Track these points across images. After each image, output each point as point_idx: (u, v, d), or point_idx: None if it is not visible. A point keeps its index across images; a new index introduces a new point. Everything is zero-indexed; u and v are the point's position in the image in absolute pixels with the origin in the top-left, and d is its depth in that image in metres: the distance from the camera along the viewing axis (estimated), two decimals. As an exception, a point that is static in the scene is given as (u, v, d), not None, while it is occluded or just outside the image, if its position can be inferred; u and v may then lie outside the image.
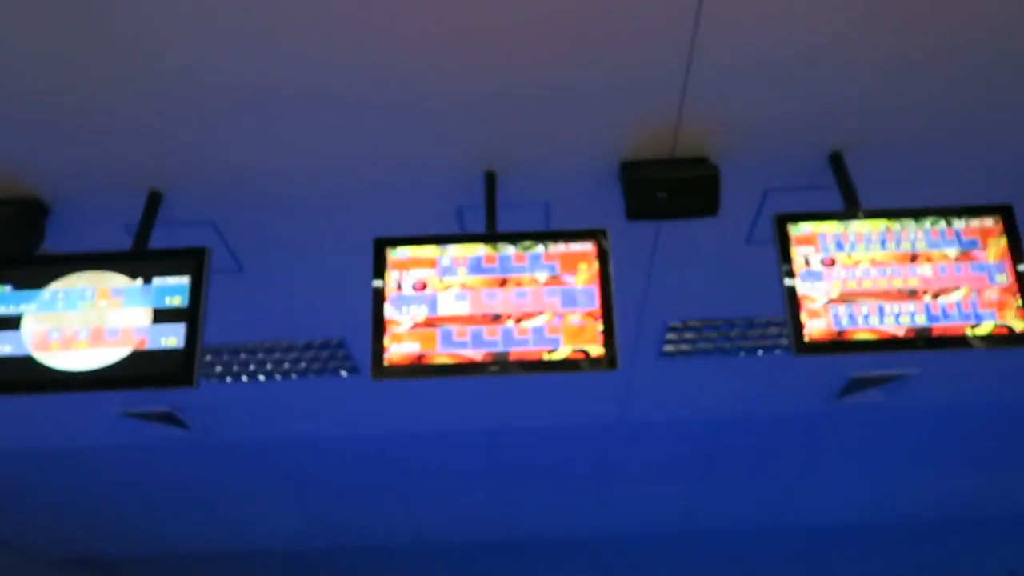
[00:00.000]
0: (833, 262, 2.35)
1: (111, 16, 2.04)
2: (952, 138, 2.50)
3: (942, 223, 2.39)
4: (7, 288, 2.39)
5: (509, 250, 2.39)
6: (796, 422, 4.52)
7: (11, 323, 2.35)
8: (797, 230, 2.40)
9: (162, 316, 2.34)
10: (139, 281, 2.39)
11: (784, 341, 3.64)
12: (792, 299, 2.32)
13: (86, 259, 2.43)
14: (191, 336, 2.29)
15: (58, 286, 2.39)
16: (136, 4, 2.01)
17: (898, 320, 2.28)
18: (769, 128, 2.44)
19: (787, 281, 2.34)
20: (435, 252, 2.39)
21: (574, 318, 2.29)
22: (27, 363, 2.30)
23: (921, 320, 2.27)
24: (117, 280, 2.40)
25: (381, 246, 2.41)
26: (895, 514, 5.78)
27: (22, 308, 2.37)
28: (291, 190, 2.64)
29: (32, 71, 2.16)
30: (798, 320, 2.29)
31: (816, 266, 2.35)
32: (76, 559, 6.09)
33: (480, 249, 2.39)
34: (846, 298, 2.30)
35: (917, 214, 2.40)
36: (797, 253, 2.36)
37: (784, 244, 2.37)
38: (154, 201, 2.59)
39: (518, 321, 2.30)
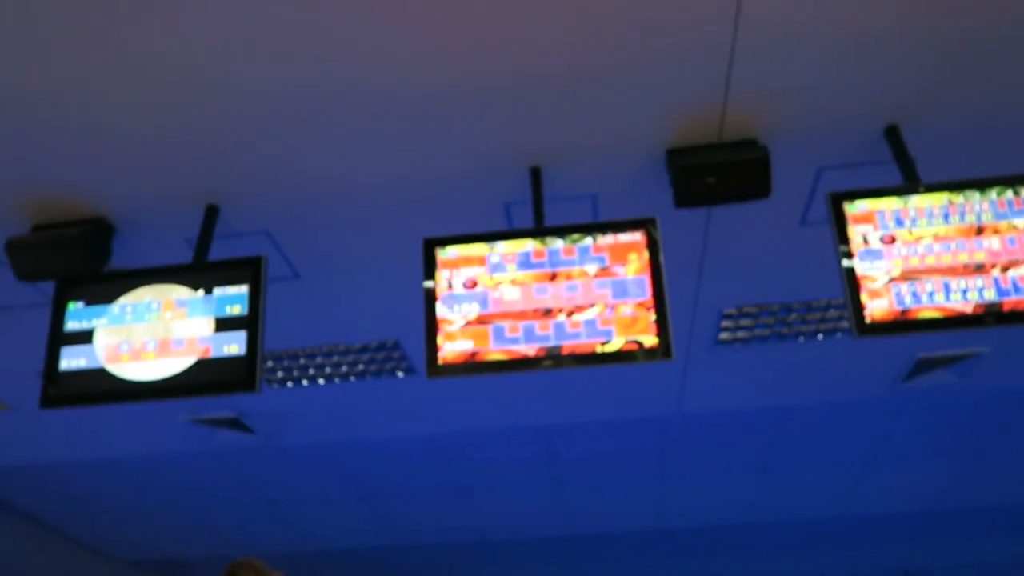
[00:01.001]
0: (893, 239, 2.28)
1: (165, 36, 2.10)
2: (1014, 105, 2.39)
3: (1009, 193, 2.29)
4: (80, 304, 2.50)
5: (558, 244, 2.39)
6: (861, 407, 4.39)
7: (84, 337, 2.45)
8: (853, 208, 2.33)
9: (224, 325, 2.40)
10: (201, 292, 2.46)
11: (845, 324, 3.56)
12: (851, 280, 2.26)
13: (150, 273, 2.51)
14: (252, 343, 2.35)
15: (126, 300, 2.48)
16: (187, 23, 2.07)
17: (965, 296, 2.19)
18: (819, 104, 2.38)
19: (845, 262, 2.28)
20: (484, 250, 2.40)
21: (626, 309, 2.28)
22: (100, 375, 2.40)
23: (990, 295, 2.18)
24: (180, 292, 2.47)
25: (431, 246, 2.44)
26: (969, 501, 5.58)
27: (94, 323, 2.47)
28: (341, 196, 2.68)
29: (90, 93, 2.25)
30: (858, 301, 2.23)
31: (875, 244, 2.28)
32: (151, 562, 6.33)
33: (529, 244, 2.40)
34: (908, 276, 2.23)
35: (982, 185, 2.30)
36: (855, 232, 2.30)
37: (840, 224, 2.32)
38: (211, 214, 2.66)
39: (570, 315, 2.30)
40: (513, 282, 2.36)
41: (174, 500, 5.29)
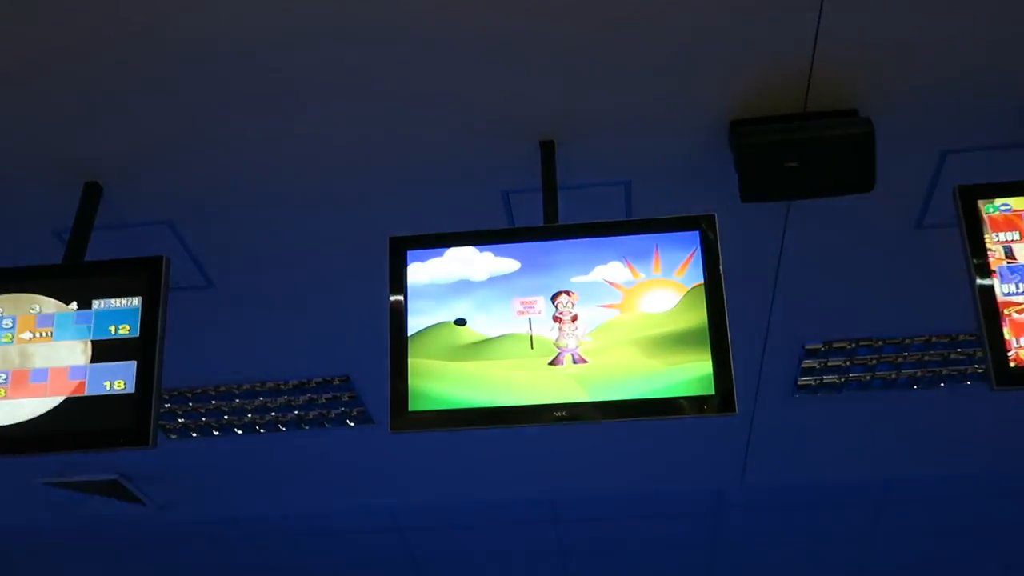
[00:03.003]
0: (1049, 252, 2.29)
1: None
2: None
3: None
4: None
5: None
6: (994, 485, 4.39)
7: (-93, 365, 2.42)
8: (992, 208, 2.33)
9: (105, 351, 2.38)
10: (74, 305, 2.44)
11: (978, 368, 3.55)
12: (988, 306, 2.25)
13: (3, 277, 2.49)
14: (145, 377, 2.34)
15: (-33, 314, 2.46)
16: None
17: None
18: (943, 66, 2.39)
19: (979, 281, 2.28)
20: (472, 255, 2.42)
21: (671, 342, 2.32)
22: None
23: None
24: (45, 304, 2.46)
25: (399, 248, 2.45)
26: None
27: (-81, 345, 2.44)
28: (276, 176, 2.67)
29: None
30: (999, 336, 2.22)
31: (1023, 258, 2.29)
32: None
33: (535, 248, 2.41)
34: (1071, 304, 2.23)
35: None
36: (993, 240, 2.31)
37: (974, 228, 2.32)
38: (91, 196, 2.65)
39: (592, 348, 2.35)
40: (513, 300, 2.40)
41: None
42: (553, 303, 2.37)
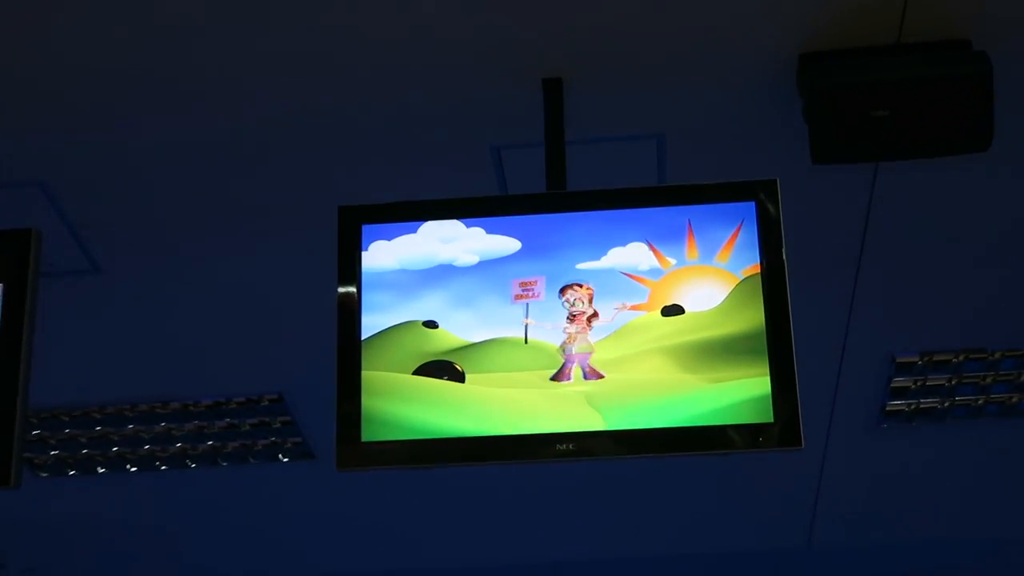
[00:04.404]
0: None
1: None
2: None
3: None
4: None
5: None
6: None
7: None
8: None
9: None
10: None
11: None
12: None
13: None
14: (5, 393, 2.33)
15: None
16: None
17: None
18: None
19: None
20: (456, 231, 2.43)
21: (716, 351, 2.32)
22: None
23: None
24: None
25: (351, 222, 2.45)
26: None
27: None
28: (184, 129, 2.67)
29: None
30: None
31: None
32: None
33: (537, 223, 2.42)
34: None
35: None
36: None
37: None
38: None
39: (608, 357, 2.34)
40: (503, 293, 2.39)
41: None
42: (562, 298, 2.36)
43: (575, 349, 2.32)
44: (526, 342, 2.34)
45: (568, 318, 2.33)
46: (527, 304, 2.35)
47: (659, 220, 2.40)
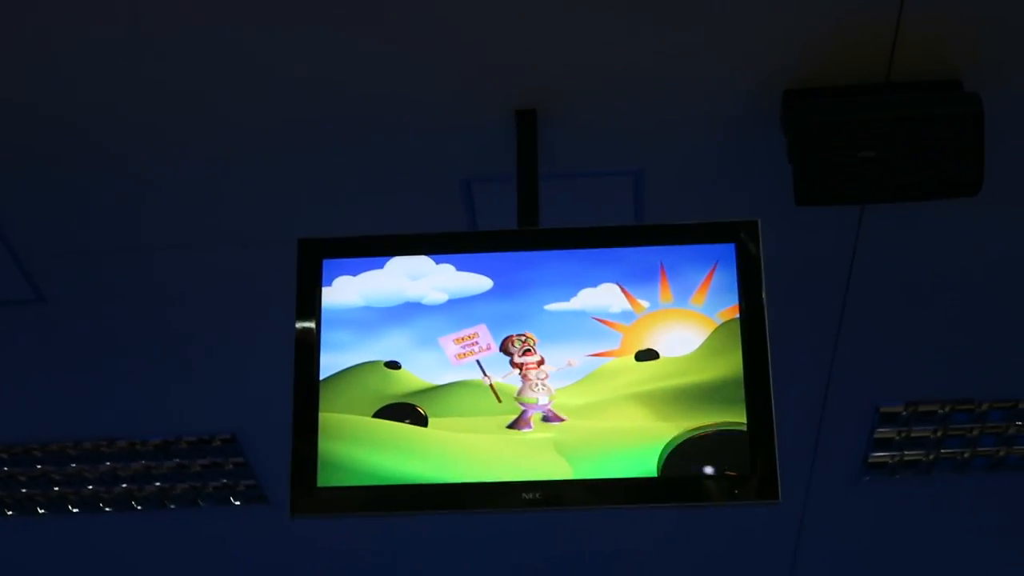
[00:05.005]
0: None
1: None
2: None
3: None
4: None
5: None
6: None
7: None
8: None
9: None
10: None
11: None
12: None
13: None
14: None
15: None
16: None
17: None
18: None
19: None
20: (425, 267, 2.42)
21: (692, 398, 2.31)
22: None
23: None
24: None
25: (312, 255, 2.45)
26: None
27: None
28: (134, 155, 2.66)
29: None
30: None
31: None
32: None
33: (508, 261, 2.41)
34: None
35: None
36: None
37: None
38: None
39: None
40: (467, 335, 2.38)
41: None
42: (504, 351, 2.35)
43: (534, 395, 2.31)
44: (494, 390, 2.32)
45: (514, 365, 2.33)
46: (477, 360, 2.33)
47: (632, 261, 2.40)
